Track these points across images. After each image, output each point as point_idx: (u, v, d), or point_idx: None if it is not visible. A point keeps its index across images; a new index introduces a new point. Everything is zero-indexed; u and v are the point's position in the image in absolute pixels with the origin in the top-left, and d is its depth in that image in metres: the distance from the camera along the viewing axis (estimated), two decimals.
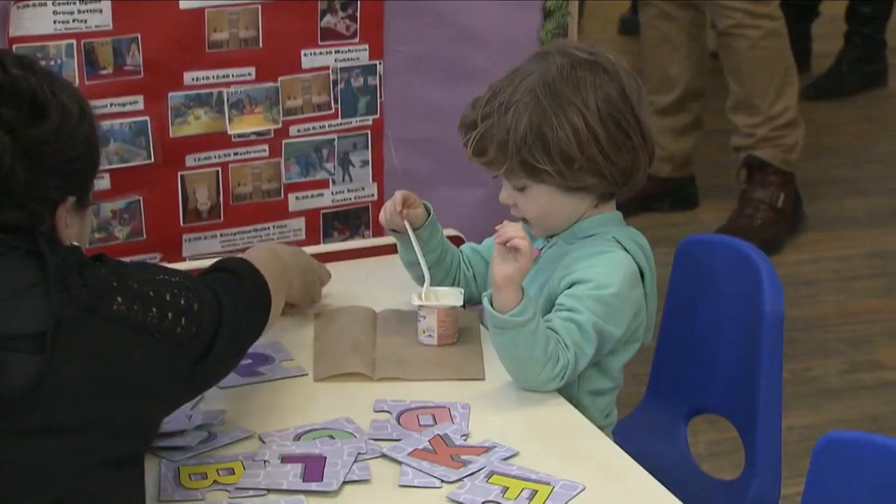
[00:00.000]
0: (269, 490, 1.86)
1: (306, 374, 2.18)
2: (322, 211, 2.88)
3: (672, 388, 2.45)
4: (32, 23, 2.52)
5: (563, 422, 2.06)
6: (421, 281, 2.30)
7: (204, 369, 1.83)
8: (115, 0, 2.56)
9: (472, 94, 2.22)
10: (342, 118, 2.83)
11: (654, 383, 2.50)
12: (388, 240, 2.43)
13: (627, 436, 2.22)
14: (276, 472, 1.89)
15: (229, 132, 2.74)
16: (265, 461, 1.92)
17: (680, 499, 1.87)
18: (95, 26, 2.57)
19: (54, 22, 2.53)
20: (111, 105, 2.62)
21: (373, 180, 2.90)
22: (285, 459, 1.92)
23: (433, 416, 2.04)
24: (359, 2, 2.76)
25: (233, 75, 2.71)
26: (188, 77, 2.68)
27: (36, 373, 1.61)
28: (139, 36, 2.61)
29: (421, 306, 2.24)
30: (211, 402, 2.06)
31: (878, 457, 1.75)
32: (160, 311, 1.73)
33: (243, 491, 1.86)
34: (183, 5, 2.63)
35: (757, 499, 2.24)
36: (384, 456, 1.94)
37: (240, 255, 2.09)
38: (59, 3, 2.52)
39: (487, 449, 1.96)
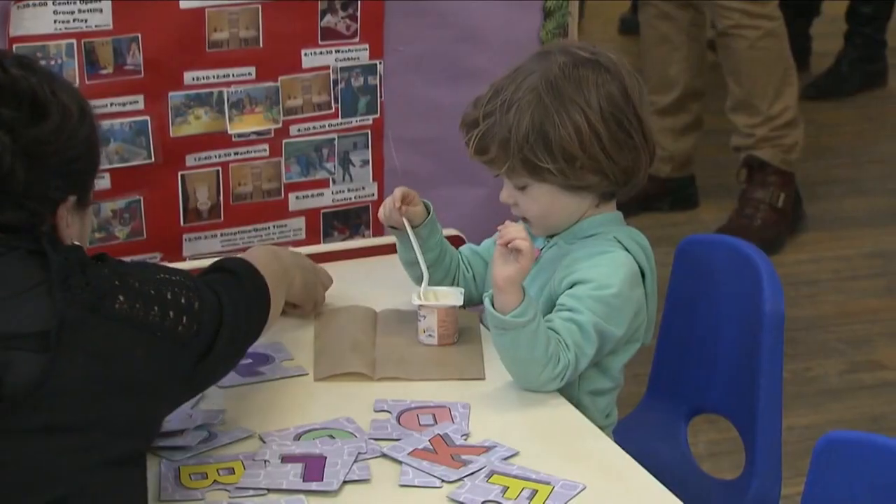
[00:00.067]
0: (269, 490, 1.86)
1: (306, 374, 2.18)
2: (322, 211, 2.88)
3: (672, 388, 2.45)
4: (33, 22, 2.52)
5: (563, 422, 2.06)
6: (420, 281, 2.30)
7: (205, 368, 1.83)
8: (115, 0, 2.57)
9: (472, 93, 2.21)
10: (342, 118, 2.83)
11: (654, 383, 2.50)
12: (389, 240, 2.43)
13: (628, 436, 2.22)
14: (277, 471, 1.89)
15: (229, 132, 2.74)
16: (265, 461, 1.92)
17: (680, 499, 1.87)
18: (96, 26, 2.57)
19: (54, 22, 2.53)
20: (111, 105, 2.62)
21: (373, 180, 2.90)
22: (285, 459, 1.92)
23: (433, 415, 2.04)
24: (359, 1, 2.76)
25: (233, 75, 2.71)
26: (188, 77, 2.68)
27: (39, 372, 1.61)
28: (139, 36, 2.61)
29: (421, 306, 2.24)
30: (211, 402, 2.07)
31: (878, 457, 1.75)
32: (162, 309, 1.74)
33: (243, 491, 1.86)
34: (183, 5, 2.63)
35: (757, 499, 2.24)
36: (384, 456, 1.94)
37: (239, 255, 2.09)
38: (59, 3, 2.52)
39: (488, 449, 1.96)
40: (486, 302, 2.07)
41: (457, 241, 2.45)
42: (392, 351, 2.22)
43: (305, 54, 2.76)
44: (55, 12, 2.53)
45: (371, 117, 2.85)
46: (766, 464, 2.24)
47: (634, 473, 1.93)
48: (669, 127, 4.54)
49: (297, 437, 1.98)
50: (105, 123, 2.58)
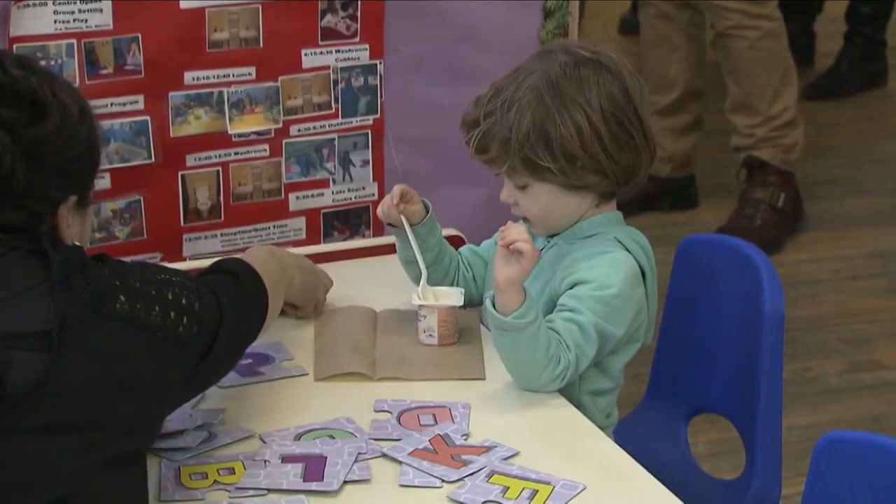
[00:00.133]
0: (269, 490, 1.86)
1: (306, 374, 2.18)
2: (322, 211, 2.88)
3: (672, 388, 2.45)
4: (33, 22, 2.52)
5: (563, 422, 2.06)
6: (418, 280, 2.29)
7: (205, 368, 1.83)
8: (115, 0, 2.56)
9: (472, 93, 2.21)
10: (342, 118, 2.83)
11: (654, 383, 2.50)
12: (389, 240, 2.43)
13: (628, 436, 2.22)
14: (277, 471, 1.89)
15: (230, 132, 2.74)
16: (265, 461, 1.92)
17: (680, 499, 1.87)
18: (96, 26, 2.57)
19: (55, 22, 2.53)
20: (111, 105, 2.62)
21: (373, 180, 2.90)
22: (286, 459, 1.92)
23: (434, 415, 2.04)
24: (359, 1, 2.76)
25: (233, 75, 2.71)
26: (188, 77, 2.68)
27: (40, 371, 1.61)
28: (139, 36, 2.61)
29: (421, 306, 2.24)
30: (211, 402, 2.07)
31: (878, 457, 1.75)
32: (162, 310, 1.74)
33: (243, 491, 1.86)
34: (183, 5, 2.63)
35: (757, 499, 2.24)
36: (384, 456, 1.94)
37: (238, 255, 2.09)
38: (59, 3, 2.52)
39: (488, 449, 1.96)
40: (487, 303, 2.07)
41: (457, 242, 2.45)
42: (392, 351, 2.21)
43: (305, 54, 2.76)
44: (55, 12, 2.53)
45: (371, 117, 2.85)
46: (767, 464, 2.24)
47: (634, 473, 1.93)
48: (669, 127, 4.54)
49: (298, 437, 1.98)
50: (105, 123, 2.58)
